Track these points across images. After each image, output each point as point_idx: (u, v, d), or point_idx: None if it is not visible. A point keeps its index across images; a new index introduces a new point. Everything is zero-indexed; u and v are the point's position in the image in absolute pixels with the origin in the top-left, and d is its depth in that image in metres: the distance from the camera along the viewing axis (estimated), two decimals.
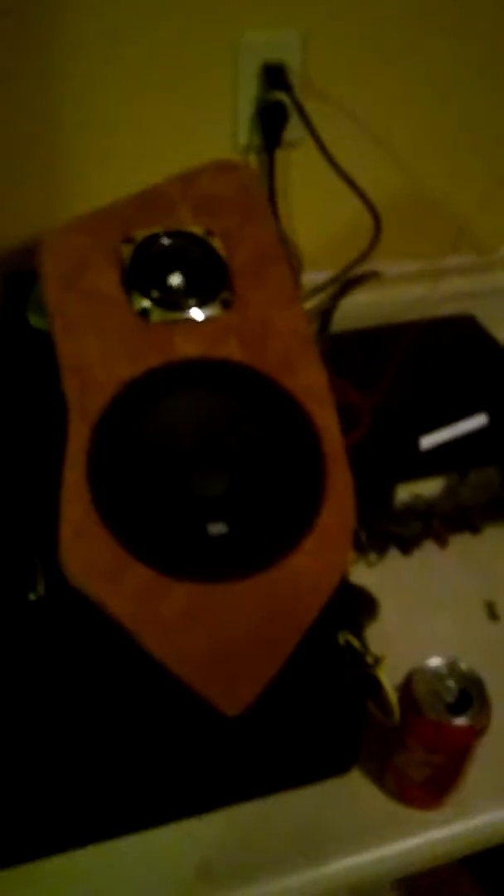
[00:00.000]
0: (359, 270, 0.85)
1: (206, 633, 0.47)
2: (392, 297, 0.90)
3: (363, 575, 0.70)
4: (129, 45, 0.69)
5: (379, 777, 0.57)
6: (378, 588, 0.67)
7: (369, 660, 0.49)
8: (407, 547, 0.73)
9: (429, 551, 0.73)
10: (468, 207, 0.90)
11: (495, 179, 0.89)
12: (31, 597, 0.47)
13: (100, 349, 0.53)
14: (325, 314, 0.86)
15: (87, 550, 0.47)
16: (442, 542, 0.72)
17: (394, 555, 0.73)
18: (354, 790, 0.57)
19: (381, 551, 0.72)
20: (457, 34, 0.79)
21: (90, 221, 0.56)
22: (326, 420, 0.54)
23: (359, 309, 0.87)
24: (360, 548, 0.71)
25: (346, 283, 0.86)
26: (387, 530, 0.72)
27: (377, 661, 0.49)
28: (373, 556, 0.72)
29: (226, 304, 0.55)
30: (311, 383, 0.55)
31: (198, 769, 0.53)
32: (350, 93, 0.78)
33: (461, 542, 0.73)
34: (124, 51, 0.69)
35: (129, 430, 0.50)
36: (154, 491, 0.50)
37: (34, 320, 0.60)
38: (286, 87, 0.74)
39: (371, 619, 0.65)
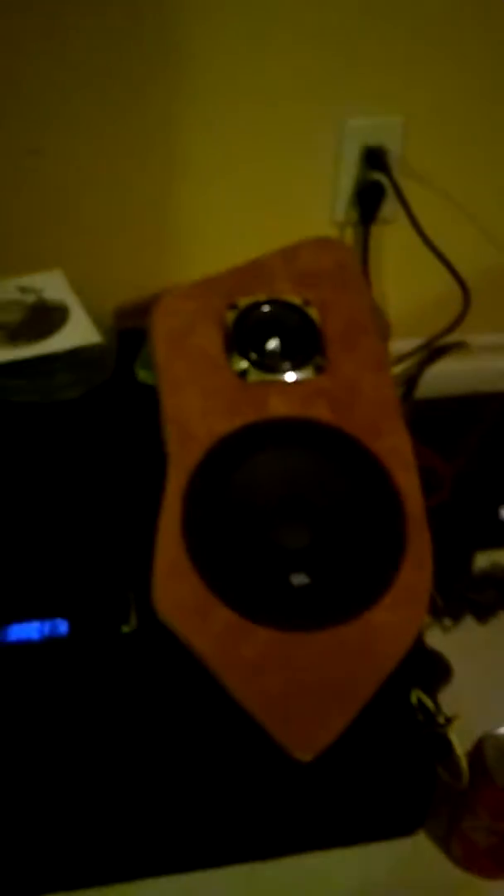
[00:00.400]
0: (447, 340, 0.88)
1: (283, 677, 0.49)
2: (478, 368, 0.92)
3: (438, 640, 0.71)
4: (241, 126, 0.75)
5: (445, 842, 0.57)
6: (452, 654, 0.67)
7: (440, 720, 0.50)
8: (483, 615, 0.73)
9: None
10: None
11: None
12: (124, 629, 0.50)
13: (200, 404, 0.57)
14: (411, 380, 0.89)
15: (177, 590, 0.51)
16: None
17: (469, 622, 0.73)
18: (419, 853, 0.57)
19: (457, 618, 0.73)
20: None
21: (198, 288, 0.61)
22: (409, 483, 0.57)
23: (445, 377, 0.89)
24: (437, 613, 0.72)
25: (434, 352, 0.89)
26: (464, 597, 0.73)
27: (448, 721, 0.50)
28: (448, 622, 0.73)
29: (318, 369, 0.59)
30: (395, 447, 0.57)
31: (266, 814, 0.54)
32: (445, 173, 0.82)
33: None
34: (237, 131, 0.75)
35: (223, 480, 0.54)
36: (242, 539, 0.53)
37: (142, 375, 0.65)
38: (385, 168, 0.79)
39: (444, 684, 0.65)
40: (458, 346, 0.90)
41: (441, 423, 0.84)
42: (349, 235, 0.84)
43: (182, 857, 0.55)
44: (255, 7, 0.69)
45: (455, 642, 0.70)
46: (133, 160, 0.74)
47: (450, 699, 0.59)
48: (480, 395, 0.89)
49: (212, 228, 0.79)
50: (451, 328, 0.86)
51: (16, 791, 0.51)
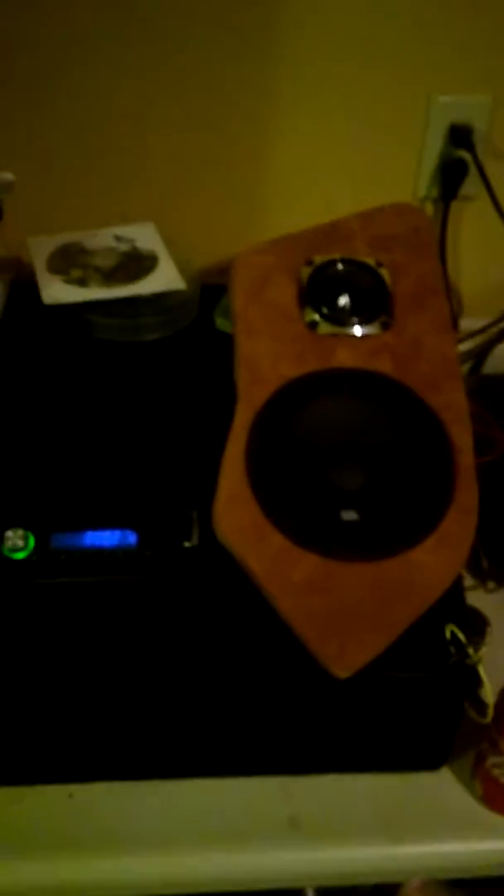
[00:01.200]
0: None
1: (327, 600, 0.53)
2: None
3: (480, 600, 0.73)
4: (332, 94, 0.78)
5: (470, 780, 0.60)
6: (493, 615, 0.70)
7: (471, 651, 0.54)
8: None
9: None
10: None
11: None
12: (186, 545, 0.56)
13: (271, 350, 0.61)
14: (480, 356, 0.91)
15: (236, 513, 0.55)
16: None
17: None
18: (445, 786, 0.61)
19: (501, 581, 0.76)
20: None
21: (278, 244, 0.66)
22: (462, 438, 0.60)
23: None
24: (481, 574, 0.75)
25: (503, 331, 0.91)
26: None
27: (478, 650, 0.53)
28: (492, 584, 0.75)
29: (385, 326, 0.63)
30: (452, 403, 0.60)
31: (303, 729, 0.59)
32: None
33: None
34: (328, 99, 0.78)
35: (286, 419, 0.59)
36: (300, 474, 0.57)
37: (220, 323, 0.70)
38: (470, 146, 0.81)
39: (481, 639, 0.68)
40: None
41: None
42: (429, 209, 0.87)
43: (225, 762, 0.60)
44: None
45: (497, 604, 0.73)
46: (225, 127, 0.79)
47: (486, 657, 0.62)
48: None
49: (296, 193, 0.83)
50: None
51: (79, 682, 0.57)
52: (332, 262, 0.64)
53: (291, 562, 0.54)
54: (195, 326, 0.70)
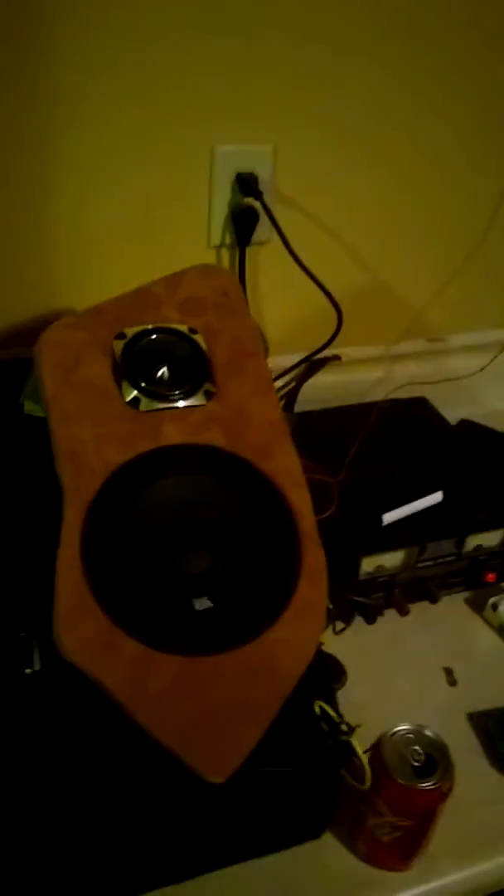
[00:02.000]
0: (322, 354, 0.92)
1: (192, 703, 0.50)
2: (352, 380, 0.97)
3: (330, 643, 0.74)
4: (117, 152, 0.76)
5: (351, 840, 0.60)
6: (344, 655, 0.71)
7: (343, 728, 0.53)
8: (371, 616, 0.77)
9: (391, 619, 0.77)
10: (421, 300, 0.99)
11: (446, 276, 0.98)
12: (28, 671, 0.50)
13: (93, 436, 0.57)
14: (291, 394, 0.92)
15: (80, 626, 0.50)
16: (403, 610, 0.77)
17: (358, 623, 0.77)
18: (327, 853, 0.60)
19: (347, 620, 0.77)
20: (416, 144, 0.87)
21: (84, 318, 0.61)
22: (301, 501, 0.59)
23: (322, 390, 0.93)
24: (329, 618, 0.75)
25: (311, 366, 0.93)
26: (352, 600, 0.76)
27: (351, 729, 0.53)
28: (339, 625, 0.76)
29: (208, 395, 0.60)
30: (286, 467, 0.60)
31: (177, 838, 0.55)
32: (314, 197, 0.86)
33: (421, 611, 0.78)
34: (114, 166, 0.76)
35: (121, 510, 0.54)
36: (143, 568, 0.54)
37: (28, 407, 0.64)
38: (256, 194, 0.81)
39: (339, 685, 0.69)
40: (333, 360, 0.94)
41: (320, 433, 0.87)
42: (226, 257, 0.86)
43: (102, 889, 0.55)
44: (130, 43, 0.70)
45: (347, 644, 0.74)
46: (7, 190, 0.73)
47: (345, 698, 0.62)
48: (356, 406, 0.93)
49: (96, 260, 0.79)
50: (325, 344, 0.90)
51: None
52: (145, 333, 0.61)
53: (149, 669, 0.50)
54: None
